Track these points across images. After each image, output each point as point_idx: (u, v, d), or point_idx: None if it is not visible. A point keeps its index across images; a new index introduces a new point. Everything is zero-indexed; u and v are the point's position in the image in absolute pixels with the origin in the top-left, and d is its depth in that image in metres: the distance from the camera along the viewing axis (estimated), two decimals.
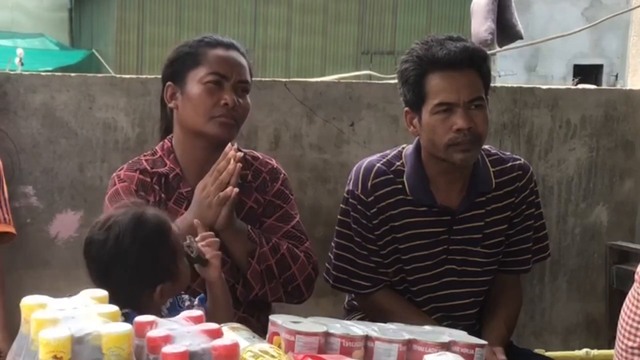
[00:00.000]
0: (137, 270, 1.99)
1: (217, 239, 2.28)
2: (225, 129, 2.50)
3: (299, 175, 3.34)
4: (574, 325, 3.81)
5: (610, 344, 2.60)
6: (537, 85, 3.85)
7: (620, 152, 3.76)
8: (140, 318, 1.60)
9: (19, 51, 12.88)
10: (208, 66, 2.51)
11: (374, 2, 17.64)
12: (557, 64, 18.92)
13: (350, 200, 2.64)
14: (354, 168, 2.67)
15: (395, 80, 2.64)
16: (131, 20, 16.48)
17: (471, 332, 2.20)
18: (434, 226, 2.61)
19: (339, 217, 2.69)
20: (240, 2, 16.95)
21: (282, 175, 2.65)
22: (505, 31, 7.08)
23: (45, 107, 3.12)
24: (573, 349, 3.71)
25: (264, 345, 1.83)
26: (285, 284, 2.53)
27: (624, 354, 2.19)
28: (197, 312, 1.67)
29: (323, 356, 1.84)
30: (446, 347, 1.99)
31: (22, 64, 12.35)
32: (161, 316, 1.72)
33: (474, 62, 2.50)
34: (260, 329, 2.12)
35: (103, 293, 1.65)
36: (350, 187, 2.64)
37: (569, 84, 15.90)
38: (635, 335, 2.16)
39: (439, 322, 2.58)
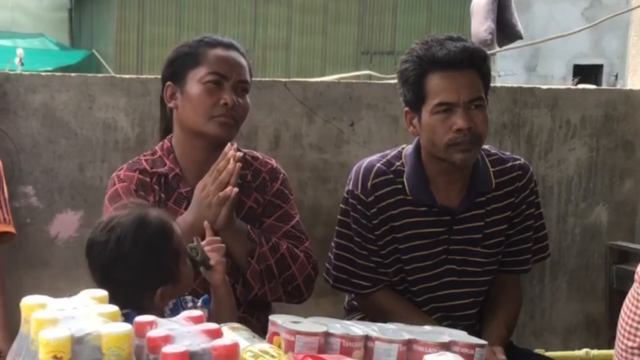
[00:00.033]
0: (138, 272, 1.99)
1: (223, 245, 2.28)
2: (224, 128, 2.50)
3: (299, 175, 3.34)
4: (574, 325, 3.82)
5: (610, 344, 2.60)
6: (537, 85, 3.85)
7: (620, 152, 3.76)
8: (140, 318, 1.60)
9: (19, 51, 12.88)
10: (208, 66, 2.51)
11: (374, 2, 17.64)
12: (557, 64, 18.93)
13: (350, 200, 2.64)
14: (354, 168, 2.67)
15: (395, 80, 2.64)
16: (131, 20, 16.49)
17: (471, 332, 2.20)
18: (434, 226, 2.61)
19: (338, 217, 2.69)
20: (240, 2, 16.95)
21: (281, 175, 2.65)
22: (505, 31, 7.09)
23: (45, 107, 3.12)
24: (573, 349, 3.71)
25: (264, 345, 1.83)
26: (285, 284, 2.53)
27: (623, 354, 2.19)
28: (197, 312, 1.67)
29: (323, 356, 1.84)
30: (446, 347, 1.99)
31: (22, 64, 12.35)
32: (163, 317, 1.72)
33: (474, 62, 2.50)
34: (260, 329, 2.12)
35: (103, 293, 1.65)
36: (350, 187, 2.64)
37: (569, 84, 15.91)
38: (635, 335, 2.16)
39: (439, 322, 2.58)
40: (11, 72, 3.43)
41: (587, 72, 18.26)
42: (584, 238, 3.77)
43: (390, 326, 2.11)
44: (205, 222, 2.33)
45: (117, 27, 16.48)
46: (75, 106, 3.15)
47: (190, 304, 2.17)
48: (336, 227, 2.70)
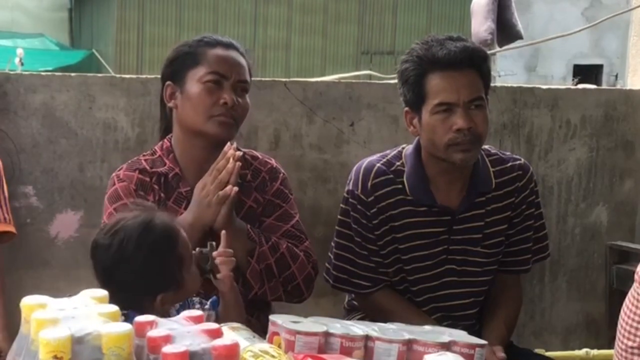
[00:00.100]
0: (139, 277, 1.98)
1: (232, 259, 2.24)
2: (224, 128, 2.50)
3: (299, 175, 3.34)
4: (574, 325, 3.81)
5: (610, 344, 2.60)
6: (537, 85, 3.85)
7: (620, 152, 3.76)
8: (141, 318, 1.60)
9: (19, 51, 12.88)
10: (207, 66, 2.51)
11: (374, 2, 17.64)
12: (557, 64, 18.93)
13: (350, 200, 2.64)
14: (354, 168, 2.67)
15: (395, 80, 2.64)
16: (131, 20, 16.49)
17: (471, 332, 2.20)
18: (434, 226, 2.61)
19: (339, 217, 2.69)
20: (240, 2, 16.95)
21: (281, 174, 2.65)
22: (505, 31, 7.08)
23: (45, 107, 3.12)
24: (573, 349, 3.71)
25: (264, 345, 1.83)
26: (284, 283, 2.54)
27: (623, 353, 2.19)
28: (197, 312, 1.67)
29: (323, 356, 1.84)
30: (446, 347, 1.99)
31: (22, 64, 12.36)
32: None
33: (474, 62, 2.50)
34: (260, 329, 2.12)
35: (103, 293, 1.65)
36: (350, 187, 2.64)
37: (569, 84, 15.91)
38: (635, 335, 2.16)
39: (439, 322, 2.58)
40: (11, 72, 3.43)
41: (587, 72, 18.26)
42: (583, 238, 3.77)
43: (391, 326, 2.11)
44: (223, 231, 2.29)
45: (117, 27, 16.48)
46: (75, 106, 3.15)
47: (197, 306, 2.17)
48: (336, 227, 2.70)
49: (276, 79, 3.50)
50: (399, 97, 2.60)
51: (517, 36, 7.20)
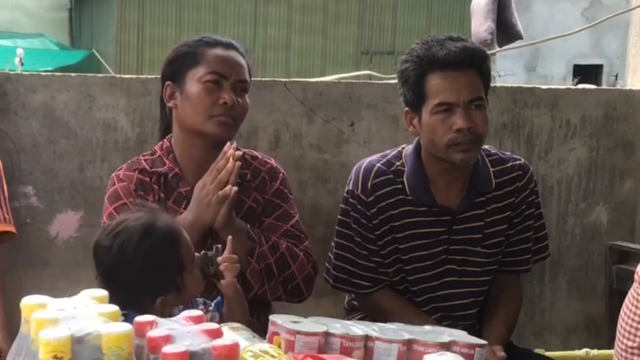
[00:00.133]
0: (139, 279, 1.98)
1: (237, 265, 2.24)
2: (224, 128, 2.50)
3: (299, 175, 3.34)
4: (574, 325, 3.81)
5: (610, 344, 2.60)
6: (537, 85, 3.85)
7: (620, 152, 3.76)
8: (141, 318, 1.60)
9: (19, 51, 12.88)
10: (207, 65, 2.51)
11: (374, 2, 17.64)
12: (557, 64, 18.93)
13: (350, 200, 2.64)
14: (354, 168, 2.67)
15: (395, 80, 2.64)
16: (131, 20, 16.49)
17: (471, 332, 2.20)
18: (434, 226, 2.61)
19: (339, 217, 2.69)
20: (240, 2, 16.95)
21: (281, 174, 2.65)
22: (505, 31, 7.08)
23: (45, 107, 3.12)
24: (573, 349, 3.71)
25: (264, 345, 1.83)
26: (284, 283, 2.54)
27: (623, 354, 2.19)
28: (197, 312, 1.67)
29: (323, 356, 1.84)
30: (446, 347, 1.99)
31: (22, 64, 12.36)
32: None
33: (474, 62, 2.50)
34: (260, 329, 2.12)
35: (103, 293, 1.65)
36: (350, 187, 2.64)
37: (569, 84, 15.91)
38: (635, 335, 2.16)
39: (439, 322, 2.58)
40: (11, 72, 3.43)
41: (587, 72, 18.26)
42: (583, 238, 3.77)
43: (390, 326, 2.11)
44: (229, 237, 2.27)
45: (117, 27, 16.48)
46: (75, 106, 3.15)
47: (201, 307, 2.16)
48: (336, 227, 2.70)
49: (276, 79, 3.50)
50: (399, 97, 2.60)
51: (517, 36, 7.20)
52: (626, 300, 2.22)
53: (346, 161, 3.34)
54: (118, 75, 3.35)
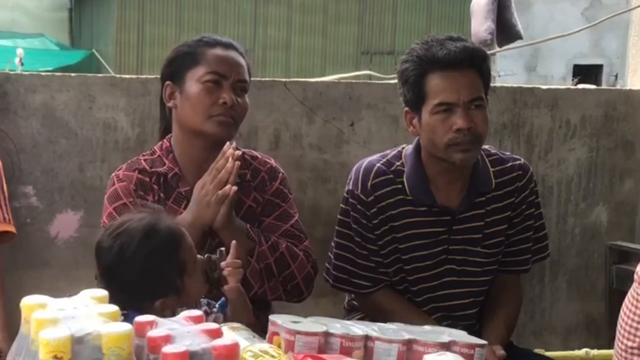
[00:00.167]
0: (138, 280, 1.97)
1: (240, 270, 2.23)
2: (223, 127, 2.50)
3: (299, 175, 3.34)
4: (573, 325, 3.81)
5: (610, 344, 2.60)
6: (537, 85, 3.85)
7: (620, 152, 3.76)
8: (141, 318, 1.60)
9: (19, 51, 12.89)
10: (207, 65, 2.51)
11: (374, 2, 17.64)
12: (557, 64, 18.93)
13: (350, 200, 2.64)
14: (354, 168, 2.67)
15: (395, 80, 2.64)
16: (131, 20, 16.49)
17: (471, 332, 2.20)
18: (434, 226, 2.61)
19: (338, 216, 2.69)
20: (240, 2, 16.95)
21: (280, 174, 2.65)
22: (505, 31, 7.08)
23: (45, 107, 3.12)
24: (573, 349, 3.71)
25: (264, 345, 1.83)
26: (284, 283, 2.54)
27: (623, 354, 2.19)
28: (197, 312, 1.67)
29: (323, 356, 1.84)
30: (446, 347, 1.99)
31: (22, 64, 12.36)
32: None
33: (474, 62, 2.50)
34: (260, 328, 2.12)
35: (103, 293, 1.65)
36: (350, 187, 2.64)
37: (569, 84, 15.91)
38: (635, 335, 2.16)
39: (439, 322, 2.58)
40: (11, 72, 3.43)
41: (587, 72, 18.26)
42: (583, 238, 3.77)
43: (390, 326, 2.11)
44: (233, 242, 2.26)
45: (117, 27, 16.49)
46: (75, 106, 3.15)
47: (205, 307, 2.16)
48: (336, 227, 2.70)
49: (276, 79, 3.50)
50: (399, 97, 2.60)
51: (517, 36, 7.21)
52: (626, 300, 2.22)
53: (346, 161, 3.33)
54: (118, 75, 3.35)
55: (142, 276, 1.98)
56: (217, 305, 2.20)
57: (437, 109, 2.48)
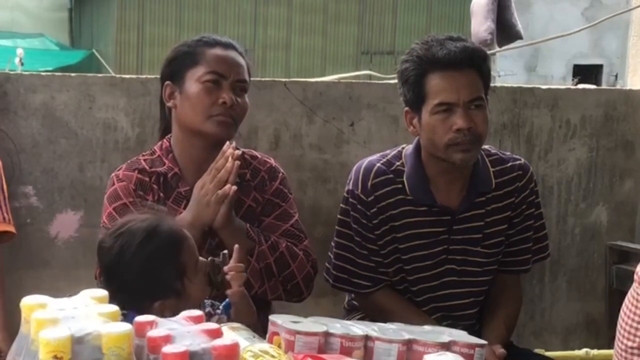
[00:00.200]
0: (137, 281, 1.97)
1: (243, 274, 2.22)
2: (223, 127, 2.50)
3: (299, 175, 3.34)
4: (573, 325, 3.82)
5: (610, 344, 2.60)
6: (537, 85, 3.85)
7: (620, 152, 3.76)
8: (140, 318, 1.60)
9: (19, 51, 12.89)
10: (206, 65, 2.51)
11: (374, 2, 17.65)
12: (557, 64, 18.94)
13: (350, 199, 2.64)
14: (354, 168, 2.67)
15: (395, 80, 2.64)
16: (131, 20, 16.49)
17: (471, 332, 2.20)
18: (434, 226, 2.61)
19: (339, 216, 2.69)
20: (240, 2, 16.96)
21: (280, 174, 2.65)
22: (505, 31, 7.08)
23: (45, 107, 3.12)
24: (573, 349, 3.71)
25: (264, 345, 1.83)
26: (284, 282, 2.54)
27: (623, 354, 2.19)
28: (197, 312, 1.67)
29: (323, 356, 1.84)
30: (446, 347, 1.99)
31: (22, 64, 12.37)
32: None
33: (474, 62, 2.50)
34: (260, 328, 2.12)
35: (103, 293, 1.65)
36: (350, 187, 2.64)
37: (569, 84, 15.91)
38: (635, 335, 2.16)
39: (439, 322, 2.58)
40: (11, 72, 3.43)
41: (587, 72, 18.27)
42: (583, 238, 3.77)
43: (390, 326, 2.11)
44: (236, 246, 2.24)
45: (117, 27, 16.49)
46: (75, 106, 3.15)
47: (208, 308, 2.16)
48: (336, 227, 2.70)
49: (276, 79, 3.50)
50: (399, 97, 2.60)
51: (517, 36, 7.20)
52: (626, 300, 2.22)
53: (346, 161, 3.34)
54: (118, 75, 3.35)
55: (142, 277, 1.97)
56: (221, 307, 2.19)
57: (437, 109, 2.48)
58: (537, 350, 3.23)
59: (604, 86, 15.82)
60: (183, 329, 1.58)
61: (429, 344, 1.97)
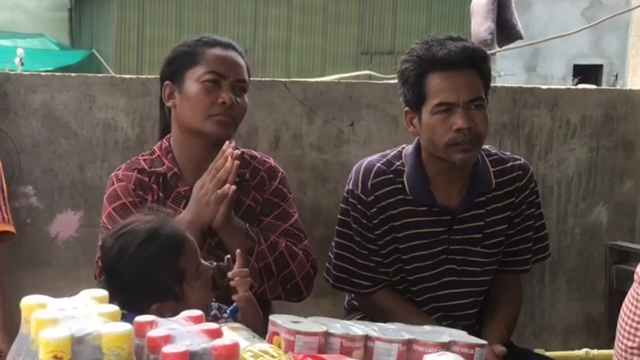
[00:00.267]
0: (135, 282, 1.97)
1: (248, 279, 2.20)
2: (222, 127, 2.50)
3: (299, 175, 3.34)
4: (573, 325, 3.82)
5: (610, 344, 2.60)
6: (537, 85, 3.85)
7: (620, 152, 3.76)
8: (140, 318, 1.60)
9: (19, 51, 12.90)
10: (206, 65, 2.51)
11: (374, 2, 17.66)
12: (557, 64, 18.94)
13: (350, 199, 2.64)
14: (354, 168, 2.67)
15: (395, 80, 2.64)
16: (131, 20, 16.50)
17: (471, 332, 2.20)
18: (434, 226, 2.61)
19: (339, 216, 2.69)
20: (240, 2, 16.96)
21: (280, 173, 2.65)
22: (505, 31, 7.08)
23: (46, 107, 3.12)
24: (573, 349, 3.71)
25: (264, 345, 1.83)
26: (284, 282, 2.54)
27: (623, 354, 2.19)
28: (197, 312, 1.67)
29: (323, 356, 1.84)
30: (446, 347, 1.99)
31: (22, 64, 12.37)
32: None
33: (474, 62, 2.50)
34: (260, 329, 2.12)
35: (103, 293, 1.65)
36: (350, 187, 2.64)
37: (569, 84, 15.91)
38: (635, 335, 2.16)
39: (439, 322, 2.58)
40: (11, 72, 3.43)
41: (587, 72, 18.28)
42: (583, 238, 3.77)
43: (390, 326, 2.11)
44: (238, 251, 2.24)
45: (117, 27, 16.50)
46: (75, 106, 3.15)
47: (215, 311, 2.15)
48: (336, 227, 2.70)
49: (276, 79, 3.50)
50: (399, 97, 2.60)
51: (517, 36, 7.20)
52: (626, 300, 2.22)
53: (346, 161, 3.34)
54: (118, 75, 3.35)
55: (140, 278, 1.97)
56: (228, 311, 2.18)
57: (437, 109, 2.48)
58: (537, 350, 3.23)
59: (604, 86, 15.82)
60: (183, 329, 1.58)
61: (429, 344, 1.97)
